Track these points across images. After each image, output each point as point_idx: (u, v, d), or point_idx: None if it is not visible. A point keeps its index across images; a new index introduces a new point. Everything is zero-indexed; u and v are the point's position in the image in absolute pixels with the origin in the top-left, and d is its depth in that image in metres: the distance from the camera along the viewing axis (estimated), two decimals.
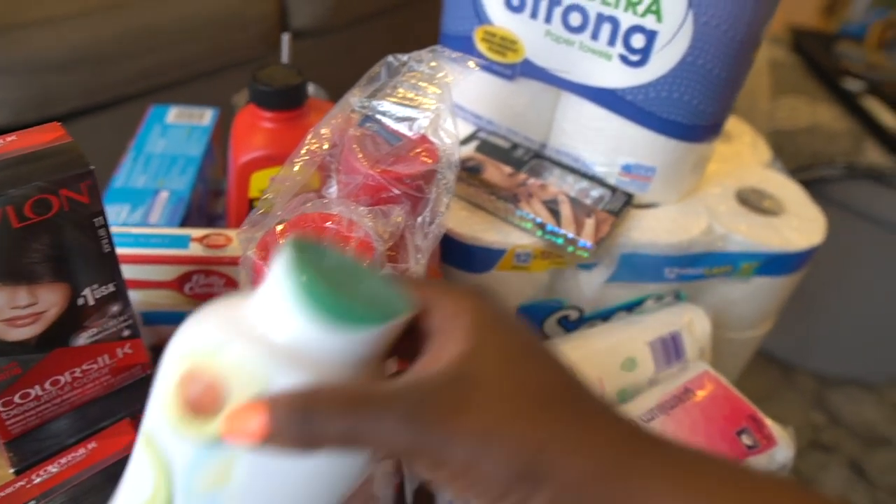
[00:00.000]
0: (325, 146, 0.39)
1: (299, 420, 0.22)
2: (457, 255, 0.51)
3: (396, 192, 0.39)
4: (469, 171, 0.52)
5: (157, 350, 0.54)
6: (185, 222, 0.58)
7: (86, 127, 1.15)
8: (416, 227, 0.39)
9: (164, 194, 0.59)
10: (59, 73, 1.09)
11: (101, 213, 0.37)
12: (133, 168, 0.62)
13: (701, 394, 0.49)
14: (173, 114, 0.69)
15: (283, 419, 0.22)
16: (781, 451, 0.48)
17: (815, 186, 1.23)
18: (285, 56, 0.62)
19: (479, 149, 0.55)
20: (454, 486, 0.23)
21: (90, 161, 0.35)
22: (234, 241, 0.50)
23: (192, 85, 1.26)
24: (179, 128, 0.68)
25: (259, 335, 0.23)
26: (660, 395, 0.49)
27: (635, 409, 0.48)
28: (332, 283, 0.23)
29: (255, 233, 0.35)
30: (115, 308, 0.41)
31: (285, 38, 0.62)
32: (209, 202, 0.70)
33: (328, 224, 0.35)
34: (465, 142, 0.56)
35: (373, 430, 0.22)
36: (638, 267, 0.54)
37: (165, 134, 0.67)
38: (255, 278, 0.34)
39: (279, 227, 0.34)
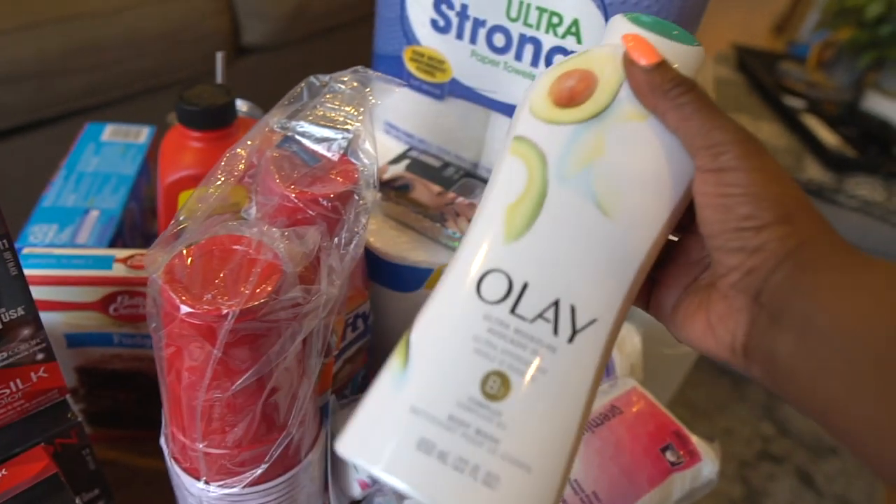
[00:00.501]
0: (241, 166, 0.39)
1: (663, 70, 0.28)
2: (385, 274, 0.51)
3: (312, 213, 0.39)
4: (398, 190, 0.52)
5: (84, 372, 0.53)
6: (115, 242, 0.58)
7: (30, 142, 1.13)
8: (331, 248, 0.38)
9: (94, 213, 0.59)
10: (3, 87, 1.07)
11: (7, 235, 0.36)
12: (64, 187, 0.61)
13: (627, 411, 0.50)
14: (109, 132, 0.69)
15: (663, 64, 0.28)
16: (707, 466, 0.49)
17: None
18: (220, 75, 0.62)
19: (410, 167, 0.55)
20: (714, 184, 0.27)
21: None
22: None
23: (140, 100, 1.25)
24: (114, 146, 0.67)
25: (610, 43, 0.31)
26: None
27: None
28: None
29: (163, 255, 0.34)
30: (26, 332, 0.40)
31: (219, 57, 0.61)
32: (147, 221, 0.69)
33: (236, 247, 0.35)
34: (395, 160, 0.56)
35: (699, 120, 0.27)
36: None
37: (99, 152, 0.66)
38: (163, 304, 0.34)
39: (185, 251, 0.34)
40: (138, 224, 0.66)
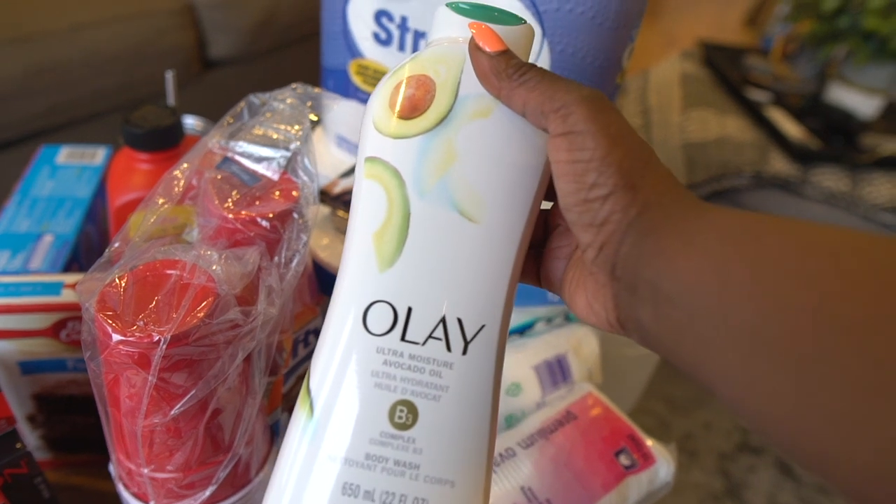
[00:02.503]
0: (178, 189, 0.39)
1: (507, 56, 0.28)
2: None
3: (251, 234, 0.39)
4: (347, 204, 0.52)
5: (41, 399, 0.53)
6: (71, 266, 0.57)
7: None
8: (271, 267, 0.38)
9: (48, 238, 0.58)
10: None
11: None
12: (17, 212, 0.60)
13: (582, 416, 0.50)
14: (63, 154, 0.68)
15: (507, 51, 0.29)
16: (662, 468, 0.49)
17: (726, 196, 1.28)
18: (170, 95, 0.62)
19: None
20: (566, 149, 0.27)
21: None
22: None
23: (102, 120, 1.24)
24: (69, 168, 0.66)
25: (437, 40, 0.31)
26: (542, 419, 0.50)
27: (518, 434, 0.49)
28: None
29: (99, 282, 0.34)
30: None
31: (169, 77, 0.61)
32: (106, 243, 0.69)
33: (170, 271, 0.35)
34: (347, 174, 0.56)
35: (543, 87, 0.27)
36: (520, 290, 0.54)
37: (54, 175, 0.65)
38: (96, 332, 0.33)
39: (118, 278, 0.34)
40: (96, 246, 0.65)
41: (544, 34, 0.46)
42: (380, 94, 0.30)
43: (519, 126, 0.29)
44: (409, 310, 0.29)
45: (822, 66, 1.44)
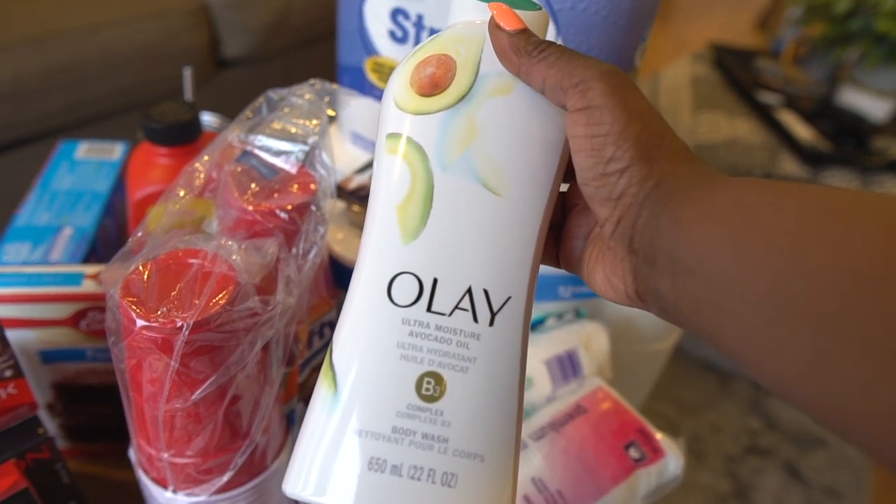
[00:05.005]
0: (199, 181, 0.40)
1: (527, 34, 0.29)
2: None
3: (270, 225, 0.40)
4: (363, 200, 0.53)
5: (60, 388, 0.54)
6: (89, 258, 0.58)
7: (6, 161, 1.13)
8: (289, 258, 0.39)
9: (67, 231, 0.59)
10: None
11: None
12: (37, 206, 0.62)
13: (592, 410, 0.50)
14: (82, 149, 0.69)
15: (526, 30, 0.29)
16: (672, 461, 0.50)
17: None
18: (188, 91, 0.63)
19: None
20: (584, 124, 0.27)
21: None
22: None
23: (119, 117, 1.26)
24: (87, 163, 0.68)
25: (456, 24, 0.31)
26: (553, 412, 0.50)
27: (529, 427, 0.50)
28: None
29: (121, 271, 0.35)
30: None
31: (187, 74, 0.62)
32: (123, 237, 0.70)
33: (192, 260, 0.36)
34: (362, 170, 0.57)
35: (562, 63, 0.28)
36: None
37: (73, 170, 0.66)
38: (120, 318, 0.34)
39: (142, 266, 0.35)
40: (114, 239, 0.67)
41: (558, 32, 0.47)
42: (400, 74, 0.30)
43: (539, 103, 0.30)
44: (435, 281, 0.29)
45: (833, 69, 1.44)
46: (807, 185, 0.23)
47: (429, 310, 0.28)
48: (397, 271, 0.29)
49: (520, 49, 0.29)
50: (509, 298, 0.29)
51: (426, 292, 0.28)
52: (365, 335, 0.28)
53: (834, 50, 1.36)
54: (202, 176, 0.40)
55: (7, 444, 0.43)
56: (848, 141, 1.32)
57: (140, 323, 0.33)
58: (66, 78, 1.16)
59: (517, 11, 0.30)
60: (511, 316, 0.29)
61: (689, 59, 1.59)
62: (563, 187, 0.32)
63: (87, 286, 0.50)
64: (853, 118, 1.37)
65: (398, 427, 0.27)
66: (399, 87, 0.30)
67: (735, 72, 1.51)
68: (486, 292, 0.29)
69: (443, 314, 0.28)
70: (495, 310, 0.29)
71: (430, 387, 0.28)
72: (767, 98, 1.42)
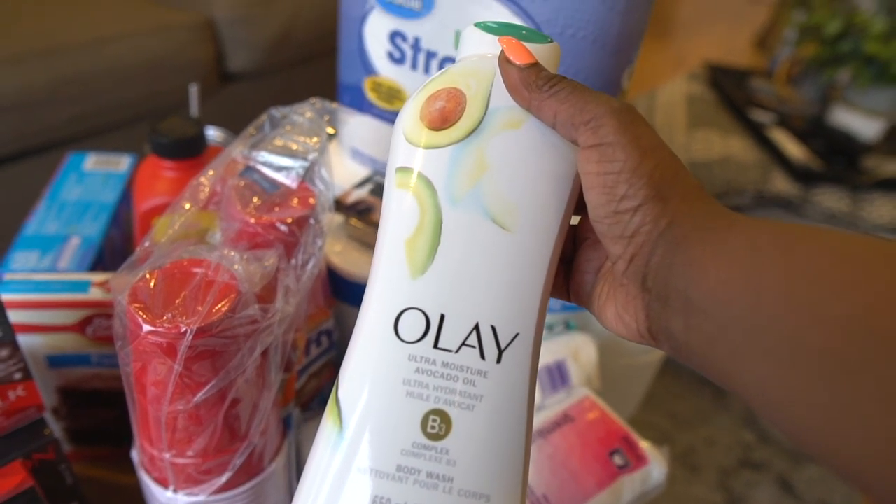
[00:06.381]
0: (203, 195, 0.42)
1: (538, 68, 0.29)
2: (348, 292, 0.54)
3: (270, 237, 0.42)
4: (360, 213, 0.55)
5: (65, 392, 0.56)
6: (96, 267, 0.60)
7: (14, 172, 1.16)
8: (289, 269, 0.41)
9: (75, 240, 0.61)
10: None
11: None
12: (46, 215, 0.64)
13: (579, 418, 0.52)
14: (91, 161, 0.71)
15: (537, 64, 0.29)
16: (655, 469, 0.51)
17: None
18: (194, 106, 0.65)
19: (374, 191, 0.58)
20: (596, 161, 0.27)
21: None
22: None
23: (125, 130, 1.28)
24: (95, 175, 0.70)
25: (466, 57, 0.31)
26: (541, 420, 0.52)
27: None
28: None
29: (129, 279, 0.37)
30: (3, 352, 0.42)
31: (193, 90, 0.64)
32: (129, 247, 0.72)
33: (196, 270, 0.38)
34: (360, 184, 0.59)
35: (574, 99, 0.28)
36: None
37: (81, 181, 0.69)
38: (127, 323, 0.36)
39: (149, 275, 0.37)
40: (120, 249, 0.69)
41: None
42: (410, 107, 0.30)
43: (549, 137, 0.29)
44: (442, 317, 0.28)
45: (825, 89, 1.47)
46: (821, 228, 0.23)
47: (436, 346, 0.28)
48: (404, 307, 0.28)
49: (530, 84, 0.29)
50: (517, 335, 0.29)
51: (433, 328, 0.28)
52: (371, 371, 0.28)
53: (825, 71, 1.39)
54: (207, 189, 0.42)
55: (15, 444, 0.45)
56: (839, 159, 1.35)
57: (146, 328, 0.35)
58: (74, 90, 1.19)
59: (528, 45, 0.30)
60: (519, 353, 0.29)
61: (685, 77, 1.62)
62: (574, 219, 0.32)
63: (94, 294, 0.52)
64: (844, 137, 1.39)
65: (403, 465, 0.27)
66: (409, 120, 0.30)
67: (730, 91, 1.53)
68: (493, 329, 0.28)
69: (450, 351, 0.28)
70: (503, 347, 0.28)
71: (436, 425, 0.27)
72: (761, 117, 1.45)
